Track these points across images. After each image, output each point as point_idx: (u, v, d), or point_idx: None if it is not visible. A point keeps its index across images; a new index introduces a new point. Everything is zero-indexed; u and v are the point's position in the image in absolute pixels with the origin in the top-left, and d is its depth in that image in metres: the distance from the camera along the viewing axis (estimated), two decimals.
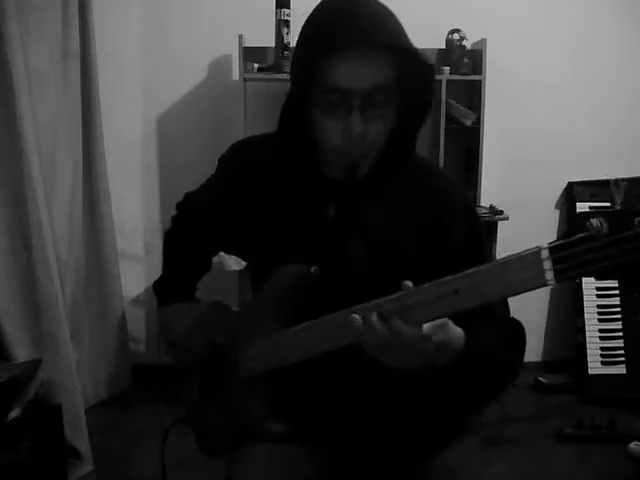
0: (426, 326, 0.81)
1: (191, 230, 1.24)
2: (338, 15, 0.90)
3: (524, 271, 0.70)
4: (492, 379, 0.96)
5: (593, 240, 0.65)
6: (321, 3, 0.94)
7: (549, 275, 0.68)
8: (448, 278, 0.76)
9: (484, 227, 1.08)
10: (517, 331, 1.00)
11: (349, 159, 0.96)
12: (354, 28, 0.87)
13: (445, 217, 1.00)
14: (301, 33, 0.96)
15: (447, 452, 1.06)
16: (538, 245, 0.69)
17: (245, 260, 1.21)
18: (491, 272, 0.73)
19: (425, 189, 1.02)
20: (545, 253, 0.68)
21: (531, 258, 0.69)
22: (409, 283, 0.80)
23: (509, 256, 0.72)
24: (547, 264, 0.68)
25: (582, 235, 0.66)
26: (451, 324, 0.85)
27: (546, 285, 0.68)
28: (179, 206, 1.28)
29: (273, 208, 1.06)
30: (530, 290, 0.71)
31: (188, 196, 1.26)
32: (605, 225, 0.65)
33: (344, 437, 1.07)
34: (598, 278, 0.68)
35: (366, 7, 0.90)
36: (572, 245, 0.66)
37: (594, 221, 0.65)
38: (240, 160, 1.13)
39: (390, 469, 1.06)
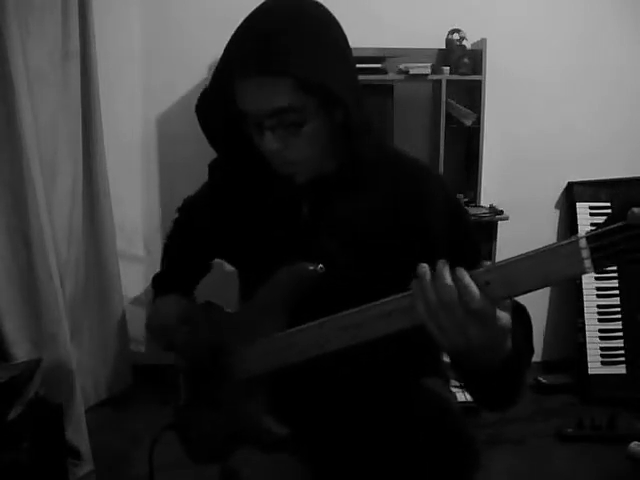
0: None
1: (189, 235, 1.26)
2: (235, 39, 0.92)
3: (561, 261, 0.69)
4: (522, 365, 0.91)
5: (632, 228, 0.64)
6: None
7: (587, 263, 0.67)
8: (479, 270, 0.74)
9: (470, 219, 1.08)
10: (524, 316, 0.98)
11: (283, 170, 0.99)
12: (245, 53, 0.88)
13: (421, 205, 0.99)
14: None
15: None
16: (576, 235, 0.69)
17: (234, 266, 1.21)
18: (526, 263, 0.71)
19: (400, 179, 1.02)
20: (583, 242, 0.67)
21: (569, 248, 0.68)
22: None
23: (544, 247, 0.71)
24: (585, 253, 0.67)
25: (621, 224, 0.65)
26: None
27: (584, 273, 0.68)
28: (179, 210, 1.30)
29: (253, 213, 1.08)
30: (567, 280, 0.71)
31: (186, 201, 1.28)
32: None
33: (340, 446, 1.06)
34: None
35: (262, 28, 0.90)
36: (611, 234, 0.66)
37: (636, 210, 0.64)
38: (222, 181, 1.15)
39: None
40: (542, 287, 0.72)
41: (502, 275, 0.73)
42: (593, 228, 0.67)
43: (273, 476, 1.02)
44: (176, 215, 1.30)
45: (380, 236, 1.00)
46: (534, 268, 0.71)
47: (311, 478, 1.06)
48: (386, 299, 0.81)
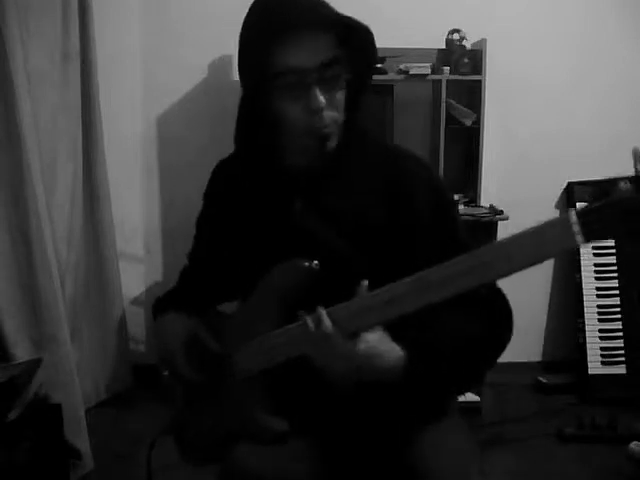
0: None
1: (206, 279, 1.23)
2: (278, 2, 0.96)
3: (555, 235, 0.73)
4: (467, 362, 0.98)
5: (619, 203, 0.68)
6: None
7: (579, 238, 0.71)
8: (479, 249, 0.79)
9: (453, 202, 1.10)
10: (493, 305, 1.01)
11: (318, 134, 0.99)
12: (294, 10, 0.93)
13: (409, 196, 1.02)
14: (244, 26, 1.01)
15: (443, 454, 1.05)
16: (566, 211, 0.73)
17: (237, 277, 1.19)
18: (522, 239, 0.76)
19: (388, 171, 1.04)
20: (573, 217, 0.71)
21: (561, 222, 0.72)
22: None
23: (537, 224, 0.75)
24: (576, 227, 0.71)
25: (608, 198, 0.69)
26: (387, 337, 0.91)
27: (576, 246, 0.72)
28: (185, 268, 1.28)
29: (250, 217, 1.08)
30: (561, 253, 0.75)
31: (191, 256, 1.26)
32: (632, 188, 0.68)
33: (339, 433, 1.06)
34: (628, 240, 0.71)
35: None
36: (600, 208, 0.70)
37: (622, 184, 0.68)
38: (220, 187, 1.17)
39: (384, 465, 1.05)
40: (540, 261, 0.76)
41: (500, 252, 0.77)
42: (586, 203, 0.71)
43: (278, 462, 1.02)
44: (187, 263, 1.28)
45: (372, 227, 1.02)
46: (530, 243, 0.75)
47: (313, 471, 1.06)
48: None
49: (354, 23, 0.97)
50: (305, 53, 0.94)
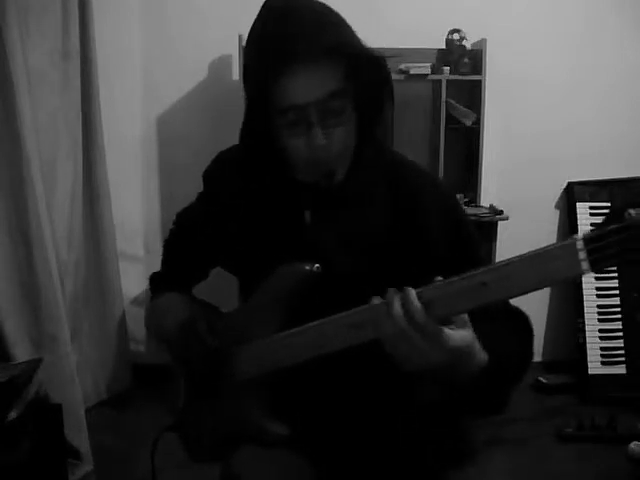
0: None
1: (185, 244, 1.24)
2: (274, 31, 0.87)
3: (558, 262, 0.69)
4: (508, 374, 0.92)
5: (628, 230, 0.65)
6: (258, 20, 0.91)
7: (585, 265, 0.67)
8: (476, 271, 0.74)
9: (470, 223, 1.05)
10: (523, 321, 0.98)
11: (322, 171, 0.94)
12: (291, 40, 0.85)
13: (422, 217, 0.98)
14: (244, 56, 0.94)
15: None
16: (573, 236, 0.68)
17: (234, 273, 1.19)
18: (523, 264, 0.72)
19: (402, 190, 1.01)
20: (580, 244, 0.67)
21: (566, 249, 0.68)
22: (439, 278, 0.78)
23: (541, 248, 0.71)
24: (582, 254, 0.67)
25: (617, 226, 0.66)
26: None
27: (582, 275, 0.69)
28: (174, 222, 1.28)
29: (253, 217, 1.06)
30: (565, 281, 0.72)
31: (181, 212, 1.26)
32: None
33: (341, 444, 1.06)
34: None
35: (299, 14, 0.87)
36: (608, 235, 0.66)
37: (632, 211, 0.65)
38: (222, 173, 1.13)
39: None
40: (540, 288, 0.72)
41: (499, 276, 0.73)
42: (592, 228, 0.68)
43: (275, 478, 1.02)
44: (172, 226, 1.28)
45: (381, 243, 0.99)
46: (532, 269, 0.71)
47: (314, 476, 1.06)
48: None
49: (361, 51, 0.89)
50: (303, 87, 0.86)
